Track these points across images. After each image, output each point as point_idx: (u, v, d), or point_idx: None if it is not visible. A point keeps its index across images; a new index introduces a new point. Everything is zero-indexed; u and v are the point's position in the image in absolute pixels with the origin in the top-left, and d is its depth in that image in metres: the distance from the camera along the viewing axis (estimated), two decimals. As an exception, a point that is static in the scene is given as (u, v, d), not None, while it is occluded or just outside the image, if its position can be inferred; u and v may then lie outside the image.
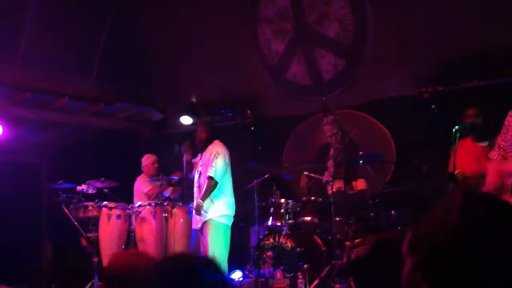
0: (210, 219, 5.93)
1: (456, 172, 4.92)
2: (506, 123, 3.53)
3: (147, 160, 7.52)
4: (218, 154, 5.96)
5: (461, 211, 1.18)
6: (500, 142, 3.52)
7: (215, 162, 5.92)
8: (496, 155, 3.54)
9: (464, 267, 1.14)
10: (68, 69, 7.90)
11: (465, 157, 5.61)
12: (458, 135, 4.73)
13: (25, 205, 8.08)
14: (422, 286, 1.19)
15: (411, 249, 1.28)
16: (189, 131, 8.34)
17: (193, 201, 6.22)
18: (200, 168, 6.14)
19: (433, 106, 6.78)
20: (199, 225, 6.02)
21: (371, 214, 6.23)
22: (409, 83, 7.20)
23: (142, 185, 7.32)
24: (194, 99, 8.30)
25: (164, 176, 6.80)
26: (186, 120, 8.17)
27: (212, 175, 5.88)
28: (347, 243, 5.83)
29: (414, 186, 6.16)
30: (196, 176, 6.19)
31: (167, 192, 7.20)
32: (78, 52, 8.05)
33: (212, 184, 5.88)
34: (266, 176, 6.73)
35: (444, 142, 5.48)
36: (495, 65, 6.61)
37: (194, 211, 6.09)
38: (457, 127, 4.72)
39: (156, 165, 7.46)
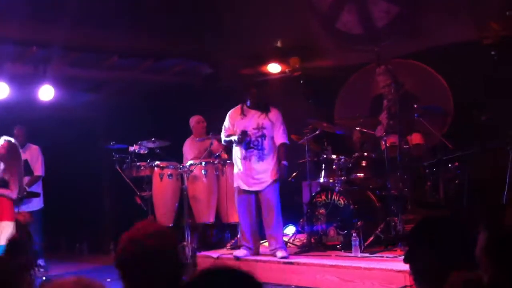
0: (275, 179, 6.02)
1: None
2: None
3: (192, 120, 7.46)
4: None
5: None
6: None
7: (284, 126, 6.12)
8: None
9: None
10: (117, 24, 7.84)
11: None
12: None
13: (83, 162, 8.28)
14: None
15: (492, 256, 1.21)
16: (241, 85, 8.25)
17: None
18: (263, 128, 6.07)
19: (492, 53, 6.36)
20: (264, 187, 6.00)
21: (428, 183, 6.01)
22: (469, 29, 6.78)
23: (187, 148, 7.31)
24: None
25: (213, 134, 6.73)
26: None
27: (287, 141, 6.13)
28: (402, 216, 5.72)
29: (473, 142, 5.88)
30: (253, 135, 6.07)
31: (218, 150, 7.10)
32: (126, 6, 7.95)
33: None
34: (317, 132, 6.56)
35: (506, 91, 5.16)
36: None
37: (265, 174, 6.02)
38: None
39: (201, 124, 7.37)
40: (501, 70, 6.23)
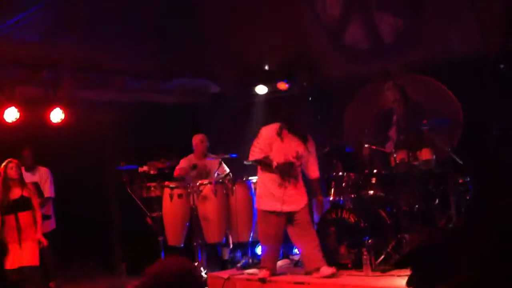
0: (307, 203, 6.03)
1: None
2: None
3: (195, 139, 7.41)
4: None
5: None
6: None
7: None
8: None
9: None
10: (124, 44, 7.91)
11: None
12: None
13: (94, 184, 8.31)
14: None
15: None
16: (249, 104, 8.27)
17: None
18: (301, 157, 5.95)
19: (501, 66, 6.31)
20: (300, 208, 5.95)
21: (437, 199, 5.95)
22: (475, 40, 6.74)
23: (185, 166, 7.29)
24: (267, 67, 8.12)
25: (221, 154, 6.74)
26: (261, 89, 8.00)
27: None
28: (407, 236, 5.66)
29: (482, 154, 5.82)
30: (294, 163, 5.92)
31: (219, 171, 7.09)
32: (133, 26, 8.02)
33: None
34: (326, 149, 6.54)
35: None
36: None
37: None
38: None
39: (204, 143, 7.33)
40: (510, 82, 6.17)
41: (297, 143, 5.93)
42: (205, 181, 6.80)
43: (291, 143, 5.92)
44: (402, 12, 7.38)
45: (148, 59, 8.16)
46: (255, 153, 5.94)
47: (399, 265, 5.44)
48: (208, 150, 7.25)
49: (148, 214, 6.88)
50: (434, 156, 6.17)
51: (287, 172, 5.81)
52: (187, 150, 7.48)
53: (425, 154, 6.17)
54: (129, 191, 6.89)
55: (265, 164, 5.93)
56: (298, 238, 5.97)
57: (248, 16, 8.34)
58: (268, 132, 5.97)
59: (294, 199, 5.92)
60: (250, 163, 6.18)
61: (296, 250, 6.83)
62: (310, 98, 7.83)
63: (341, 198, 6.39)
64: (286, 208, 5.88)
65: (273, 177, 5.90)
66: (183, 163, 7.21)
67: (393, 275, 5.44)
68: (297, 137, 5.95)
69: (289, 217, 5.93)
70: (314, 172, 6.05)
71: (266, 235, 6.01)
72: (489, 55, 6.56)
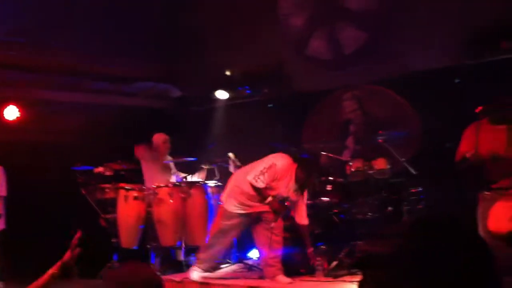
0: None
1: (488, 153, 4.64)
2: None
3: (157, 139, 7.35)
4: None
5: None
6: None
7: None
8: None
9: None
10: (86, 46, 7.85)
11: (489, 140, 5.18)
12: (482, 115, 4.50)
13: (48, 185, 8.15)
14: None
15: None
16: (211, 109, 8.26)
17: None
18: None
19: (457, 81, 6.48)
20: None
21: (389, 208, 6.05)
22: (434, 56, 6.91)
23: (148, 168, 7.26)
24: (229, 73, 8.13)
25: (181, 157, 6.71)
26: (221, 94, 8.00)
27: None
28: (360, 243, 5.72)
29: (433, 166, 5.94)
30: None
31: (179, 177, 7.07)
32: (95, 28, 7.97)
33: None
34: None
35: (470, 119, 5.23)
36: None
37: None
38: (483, 107, 4.48)
39: (167, 144, 7.31)
40: (468, 97, 6.32)
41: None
42: (162, 184, 6.75)
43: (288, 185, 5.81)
44: (365, 26, 7.54)
45: (110, 62, 8.11)
46: (260, 182, 5.70)
47: (351, 271, 5.52)
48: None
49: (102, 215, 6.78)
50: (389, 166, 6.28)
51: (277, 211, 5.75)
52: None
53: (380, 164, 6.28)
54: (84, 192, 6.78)
55: (260, 193, 5.79)
56: (262, 240, 5.89)
57: (215, 23, 8.40)
58: (284, 171, 5.77)
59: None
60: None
61: (250, 254, 6.84)
62: (271, 105, 7.86)
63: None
64: (255, 209, 5.85)
65: (254, 195, 5.84)
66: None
67: (345, 281, 5.49)
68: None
69: (258, 217, 5.89)
70: (303, 218, 5.94)
71: (223, 232, 6.00)
72: (445, 70, 6.74)
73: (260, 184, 5.69)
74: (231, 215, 5.93)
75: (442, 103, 6.61)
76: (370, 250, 2.15)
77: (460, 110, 6.28)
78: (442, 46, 6.86)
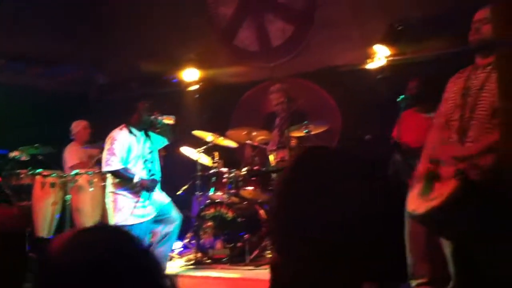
0: None
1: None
2: (446, 90, 3.50)
3: (77, 126, 7.16)
4: None
5: None
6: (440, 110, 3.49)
7: None
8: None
9: None
10: (9, 27, 7.48)
11: (410, 128, 5.47)
12: (403, 105, 4.65)
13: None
14: None
15: None
16: (137, 96, 8.04)
17: None
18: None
19: (378, 76, 6.65)
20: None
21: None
22: (358, 50, 7.07)
23: (70, 155, 7.01)
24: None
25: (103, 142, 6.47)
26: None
27: None
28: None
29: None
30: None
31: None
32: (17, 7, 7.61)
33: None
34: (209, 144, 6.52)
35: (390, 112, 5.38)
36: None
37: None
38: (401, 97, 4.64)
39: (88, 130, 7.11)
40: (386, 92, 6.51)
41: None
42: (82, 171, 6.51)
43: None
44: (293, 19, 7.61)
45: (35, 44, 7.77)
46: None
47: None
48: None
49: (15, 202, 6.45)
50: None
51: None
52: (66, 137, 7.17)
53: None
54: (-4, 178, 6.43)
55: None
56: None
57: (144, 11, 8.23)
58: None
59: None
60: None
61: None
62: (197, 95, 7.77)
63: (221, 194, 6.38)
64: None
65: None
66: (75, 154, 6.90)
67: (266, 269, 5.49)
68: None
69: None
70: None
71: None
72: (369, 66, 6.91)
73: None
74: None
75: (365, 98, 6.78)
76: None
77: (382, 104, 6.48)
78: (366, 42, 7.04)
